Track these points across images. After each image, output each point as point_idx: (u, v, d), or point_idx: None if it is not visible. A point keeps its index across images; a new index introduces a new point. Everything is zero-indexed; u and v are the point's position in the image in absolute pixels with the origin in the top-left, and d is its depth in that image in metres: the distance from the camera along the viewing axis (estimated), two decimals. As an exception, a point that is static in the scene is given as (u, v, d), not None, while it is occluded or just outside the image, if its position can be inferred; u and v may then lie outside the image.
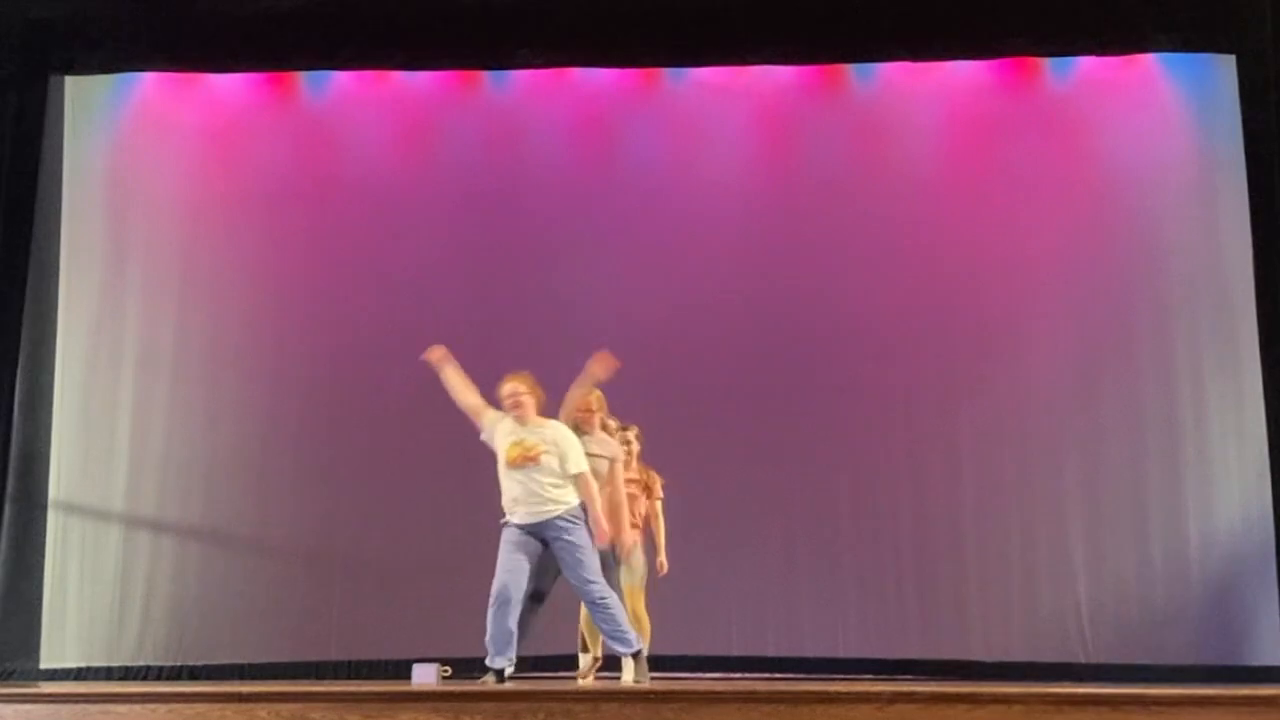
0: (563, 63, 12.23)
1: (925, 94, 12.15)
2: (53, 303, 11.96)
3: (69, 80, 12.20)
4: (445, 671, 8.97)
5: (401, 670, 9.58)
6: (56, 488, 11.84)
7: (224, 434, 12.03)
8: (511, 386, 9.02)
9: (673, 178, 12.19)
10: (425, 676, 8.87)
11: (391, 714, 7.67)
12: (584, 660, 9.73)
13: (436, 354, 9.20)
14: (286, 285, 12.19)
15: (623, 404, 9.46)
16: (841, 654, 9.82)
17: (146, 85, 12.37)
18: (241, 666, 11.36)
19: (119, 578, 11.80)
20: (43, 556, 11.72)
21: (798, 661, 9.58)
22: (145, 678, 11.41)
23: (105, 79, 12.31)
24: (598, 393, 9.57)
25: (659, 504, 9.84)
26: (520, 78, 12.39)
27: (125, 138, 12.35)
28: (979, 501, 11.65)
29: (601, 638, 9.35)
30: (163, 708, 7.78)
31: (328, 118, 12.48)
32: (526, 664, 9.85)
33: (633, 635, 8.92)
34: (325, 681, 9.54)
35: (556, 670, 10.09)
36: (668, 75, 12.39)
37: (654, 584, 9.62)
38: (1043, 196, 11.87)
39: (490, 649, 8.76)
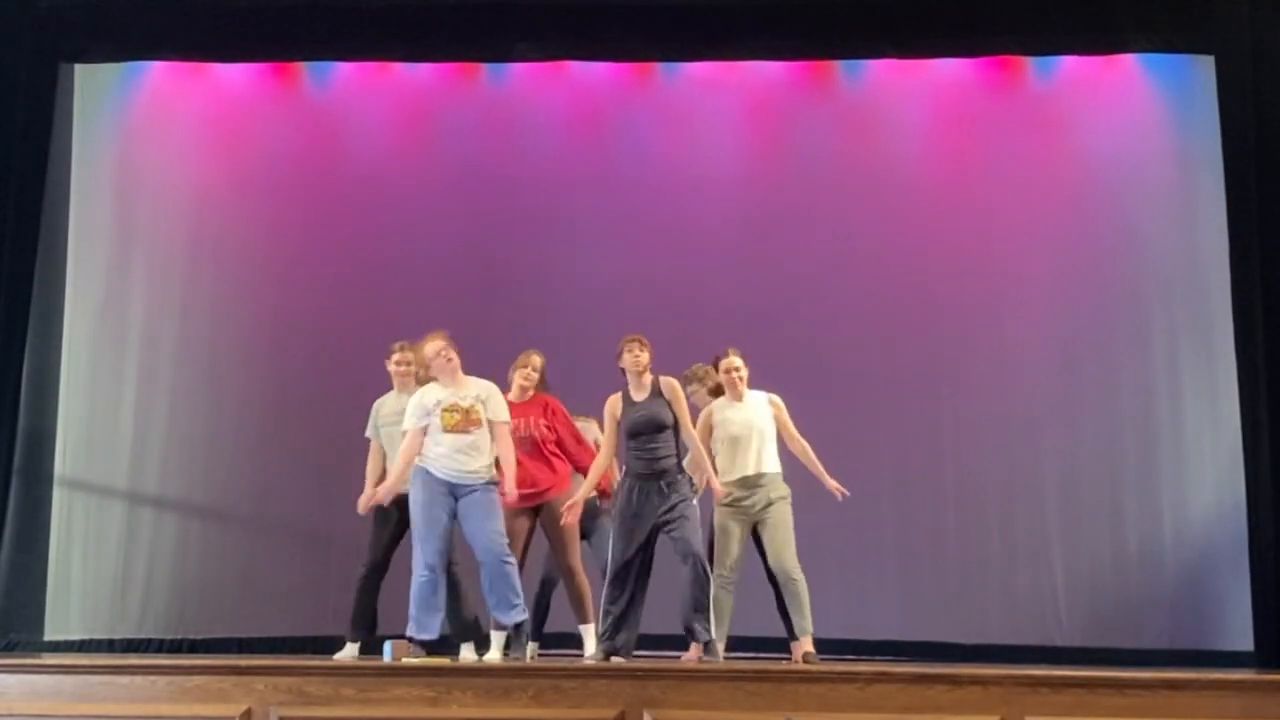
0: (559, 56, 12.37)
1: (912, 90, 12.29)
2: (60, 285, 12.09)
3: (79, 68, 12.28)
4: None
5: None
6: (62, 464, 11.96)
7: (226, 414, 12.15)
8: (436, 345, 9.14)
9: (665, 168, 12.32)
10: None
11: (385, 689, 7.83)
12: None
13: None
14: (289, 269, 12.35)
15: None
16: (824, 635, 9.94)
17: (154, 74, 12.50)
18: (240, 640, 11.51)
19: (122, 553, 11.97)
20: (48, 532, 11.85)
21: (782, 641, 9.69)
22: (147, 650, 11.56)
23: (114, 67, 12.42)
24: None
25: None
26: (518, 70, 12.53)
27: (133, 125, 12.47)
28: (959, 488, 11.82)
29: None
30: (163, 680, 7.92)
31: (330, 107, 12.62)
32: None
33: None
34: (321, 656, 9.66)
35: (548, 648, 10.22)
36: (661, 69, 12.53)
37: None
38: (1025, 192, 12.02)
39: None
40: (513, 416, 9.43)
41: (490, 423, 9.12)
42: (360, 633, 9.59)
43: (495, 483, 9.07)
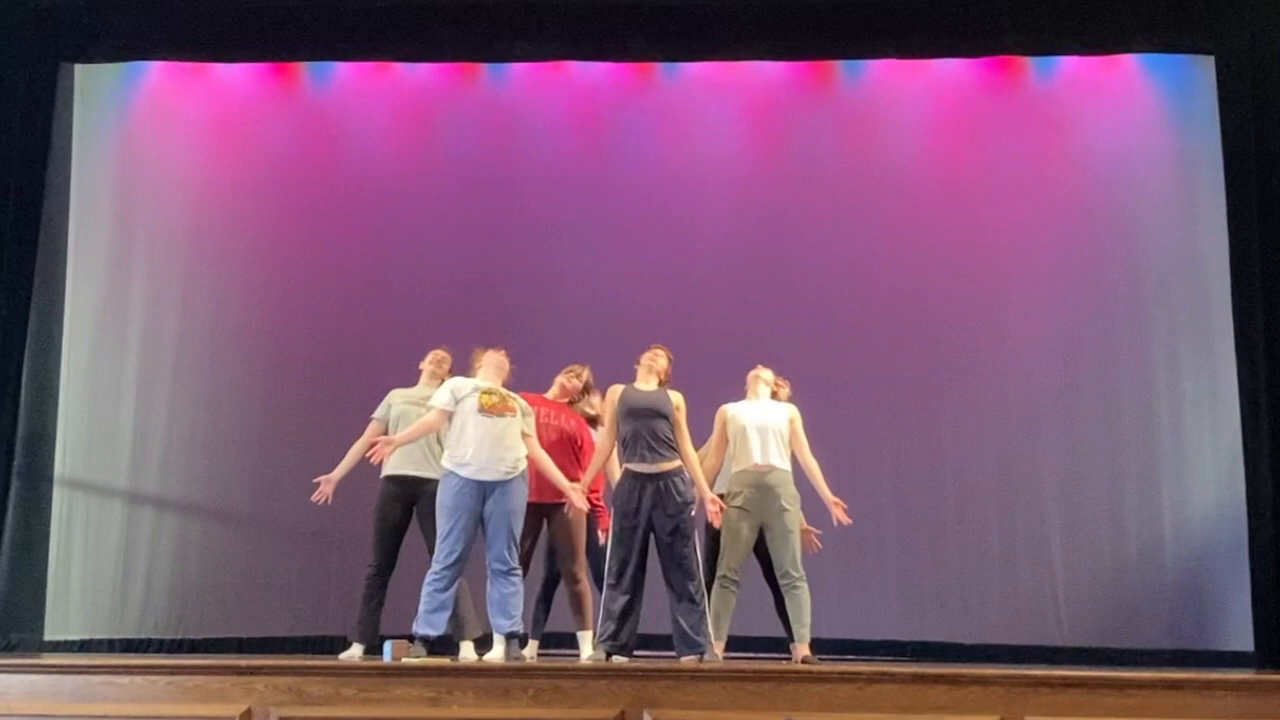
0: (559, 56, 12.40)
1: (912, 91, 12.32)
2: (60, 285, 12.10)
3: (79, 68, 12.32)
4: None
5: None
6: (62, 465, 11.97)
7: (225, 414, 12.15)
8: (501, 353, 9.24)
9: (664, 169, 12.34)
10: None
11: (385, 689, 7.80)
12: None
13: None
14: (288, 269, 12.35)
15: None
16: (824, 635, 9.94)
17: (154, 74, 12.53)
18: (240, 640, 11.51)
19: (122, 553, 11.97)
20: (48, 532, 11.86)
21: (782, 641, 9.69)
22: (146, 650, 11.58)
23: (114, 67, 12.46)
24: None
25: None
26: (517, 71, 12.57)
27: (133, 125, 12.50)
28: (959, 489, 11.83)
29: None
30: (163, 679, 7.89)
31: (330, 107, 12.66)
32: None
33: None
34: (321, 656, 9.65)
35: (548, 648, 10.22)
36: (661, 70, 12.56)
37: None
38: (1025, 192, 12.04)
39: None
40: (547, 408, 9.60)
41: (523, 434, 9.16)
42: (366, 634, 9.58)
43: (524, 476, 9.08)
